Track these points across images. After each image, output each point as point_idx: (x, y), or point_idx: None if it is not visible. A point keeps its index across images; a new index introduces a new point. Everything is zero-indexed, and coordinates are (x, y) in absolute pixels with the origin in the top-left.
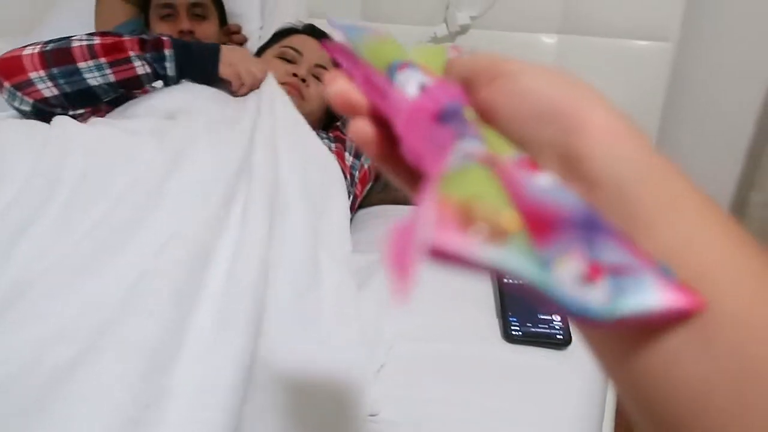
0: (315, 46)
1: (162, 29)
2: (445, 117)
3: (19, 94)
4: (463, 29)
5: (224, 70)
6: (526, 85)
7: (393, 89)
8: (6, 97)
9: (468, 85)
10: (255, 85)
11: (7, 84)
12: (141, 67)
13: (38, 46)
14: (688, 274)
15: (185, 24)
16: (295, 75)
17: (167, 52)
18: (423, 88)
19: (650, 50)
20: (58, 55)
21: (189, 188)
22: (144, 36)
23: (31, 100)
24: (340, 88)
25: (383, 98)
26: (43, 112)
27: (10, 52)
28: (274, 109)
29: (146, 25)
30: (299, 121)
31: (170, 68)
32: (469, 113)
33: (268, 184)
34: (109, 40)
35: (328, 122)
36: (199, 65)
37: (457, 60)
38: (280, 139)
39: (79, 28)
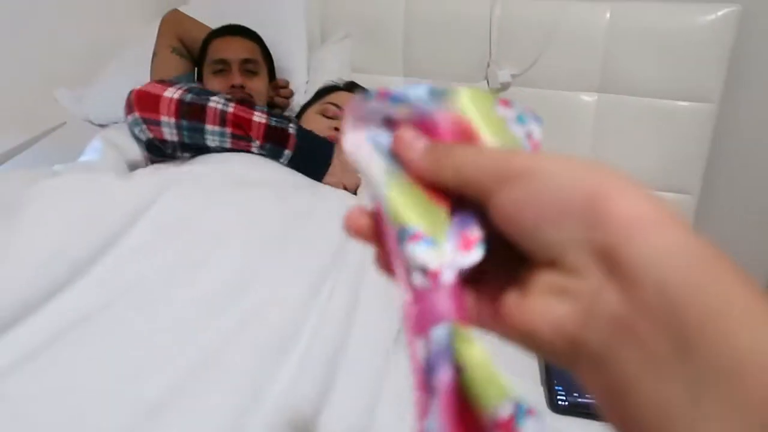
0: None
1: (215, 84)
2: (427, 344)
3: (144, 126)
4: (504, 87)
5: (328, 179)
6: (539, 184)
7: (399, 257)
8: (129, 121)
9: (481, 189)
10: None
11: (137, 114)
12: (257, 148)
13: (179, 92)
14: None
15: (237, 79)
16: (336, 129)
17: (287, 152)
18: (424, 285)
19: (692, 111)
20: (192, 111)
21: (299, 253)
22: (273, 122)
23: (151, 135)
24: (357, 222)
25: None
26: (151, 146)
27: (153, 85)
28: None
29: (199, 79)
30: None
31: (283, 162)
32: (458, 335)
33: (355, 271)
34: (241, 113)
35: None
36: (311, 168)
37: (465, 164)
38: None
39: (135, 78)
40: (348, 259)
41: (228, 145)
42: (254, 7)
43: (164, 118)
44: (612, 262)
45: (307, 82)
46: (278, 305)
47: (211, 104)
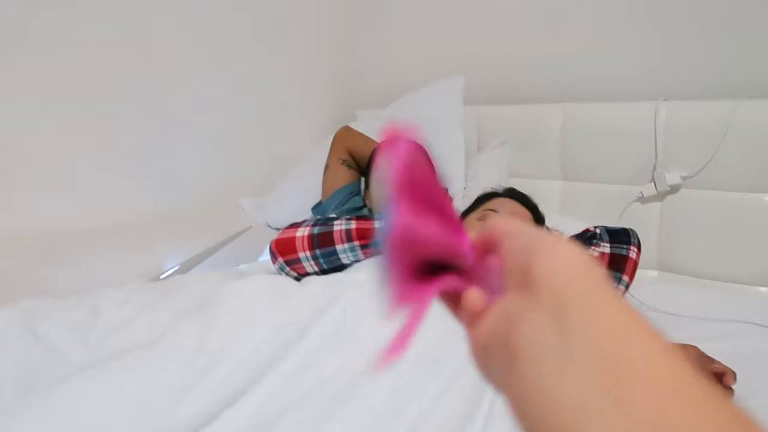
0: (515, 207)
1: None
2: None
3: (288, 268)
4: (674, 189)
5: None
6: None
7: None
8: (277, 267)
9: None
10: None
11: (281, 259)
12: None
13: (307, 229)
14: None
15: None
16: None
17: None
18: None
19: None
20: (322, 239)
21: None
22: None
23: (295, 275)
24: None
25: None
26: (298, 279)
27: (286, 231)
28: None
29: (366, 187)
30: None
31: None
32: None
33: None
34: (362, 225)
35: None
36: None
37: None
38: None
39: (307, 188)
40: None
41: (361, 257)
42: (416, 118)
43: (302, 255)
44: (527, 278)
45: (465, 188)
46: (437, 424)
47: (336, 228)
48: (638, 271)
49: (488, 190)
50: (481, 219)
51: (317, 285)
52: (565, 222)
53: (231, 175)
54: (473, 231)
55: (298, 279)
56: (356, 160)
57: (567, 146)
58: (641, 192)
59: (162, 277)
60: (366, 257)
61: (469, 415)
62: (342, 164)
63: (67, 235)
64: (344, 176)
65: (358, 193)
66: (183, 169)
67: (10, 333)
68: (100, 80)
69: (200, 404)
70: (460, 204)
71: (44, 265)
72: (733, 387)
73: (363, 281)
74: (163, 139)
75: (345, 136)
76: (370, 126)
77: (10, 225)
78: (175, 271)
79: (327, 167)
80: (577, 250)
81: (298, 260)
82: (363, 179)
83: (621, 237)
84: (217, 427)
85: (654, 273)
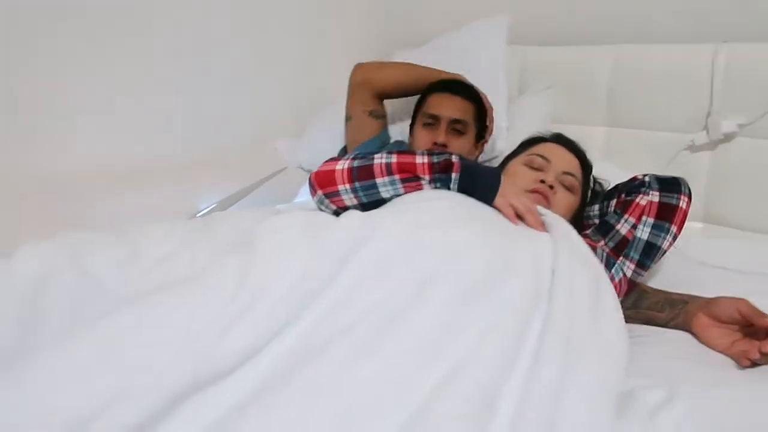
0: (563, 153)
1: (421, 135)
2: None
3: (327, 201)
4: (728, 138)
5: (498, 201)
6: None
7: None
8: (315, 200)
9: None
10: (528, 216)
11: (320, 192)
12: (428, 184)
13: (347, 162)
14: None
15: (441, 137)
16: (542, 181)
17: (454, 175)
18: None
19: None
20: (362, 172)
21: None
22: (434, 159)
23: (334, 207)
24: None
25: None
26: (338, 214)
27: (326, 164)
28: (570, 240)
29: (411, 131)
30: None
31: (453, 188)
32: None
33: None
34: (403, 159)
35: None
36: (480, 192)
37: None
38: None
39: (340, 131)
40: (553, 318)
41: (402, 191)
42: (455, 59)
43: (341, 187)
44: None
45: (507, 129)
46: (478, 365)
47: (377, 161)
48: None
49: (534, 134)
50: (527, 164)
51: (355, 218)
52: (610, 170)
53: (266, 117)
54: (518, 177)
55: (337, 214)
56: (391, 95)
57: (615, 91)
58: (692, 140)
59: (199, 215)
60: (406, 191)
61: (512, 358)
62: (368, 115)
63: (105, 175)
64: (371, 128)
65: (388, 142)
66: (219, 110)
67: (59, 264)
68: (135, 21)
69: (244, 338)
70: (504, 146)
71: (82, 204)
72: None
73: (402, 213)
74: (199, 81)
75: (366, 79)
76: None
77: (50, 164)
78: (212, 210)
79: (349, 118)
80: None
81: (338, 193)
82: (410, 121)
83: (671, 186)
84: (260, 359)
85: (699, 225)
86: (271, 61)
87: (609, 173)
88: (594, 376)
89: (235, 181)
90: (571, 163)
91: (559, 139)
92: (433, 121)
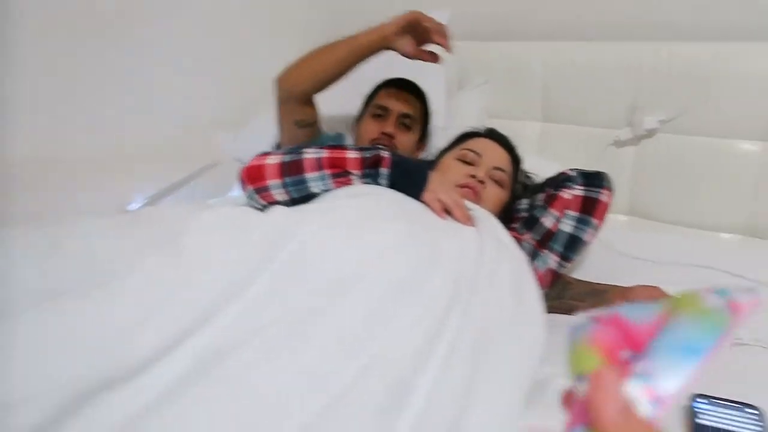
0: (495, 149)
1: (369, 125)
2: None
3: (256, 196)
4: (650, 133)
5: (426, 195)
6: None
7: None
8: (246, 195)
9: None
10: (456, 211)
11: (250, 187)
12: (358, 180)
13: (278, 156)
14: None
15: (390, 128)
16: (473, 176)
17: (384, 170)
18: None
19: None
20: (292, 167)
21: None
22: (366, 154)
23: (264, 203)
24: None
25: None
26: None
27: (257, 158)
28: (496, 234)
29: (358, 123)
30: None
31: (383, 183)
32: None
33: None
34: (334, 154)
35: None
36: (409, 187)
37: None
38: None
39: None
40: (471, 311)
41: (332, 186)
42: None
43: (271, 182)
44: None
45: (443, 129)
46: (393, 361)
47: (307, 156)
48: (609, 216)
49: (468, 129)
50: (459, 158)
51: (280, 216)
52: (542, 164)
53: (205, 106)
54: (450, 171)
55: (264, 208)
56: (320, 90)
57: (549, 87)
58: (617, 135)
59: (129, 209)
60: (336, 186)
61: (427, 353)
62: (295, 126)
63: (30, 167)
64: (299, 138)
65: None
66: (156, 100)
67: None
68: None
69: (157, 336)
70: (440, 142)
71: (2, 199)
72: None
73: (328, 211)
74: (133, 70)
75: (286, 90)
76: None
77: None
78: (145, 204)
79: (281, 129)
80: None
81: (267, 188)
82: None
83: (594, 180)
84: (172, 358)
85: (624, 218)
86: (211, 45)
87: (542, 168)
88: (507, 367)
89: (168, 174)
90: (502, 158)
91: (492, 135)
92: (383, 113)
